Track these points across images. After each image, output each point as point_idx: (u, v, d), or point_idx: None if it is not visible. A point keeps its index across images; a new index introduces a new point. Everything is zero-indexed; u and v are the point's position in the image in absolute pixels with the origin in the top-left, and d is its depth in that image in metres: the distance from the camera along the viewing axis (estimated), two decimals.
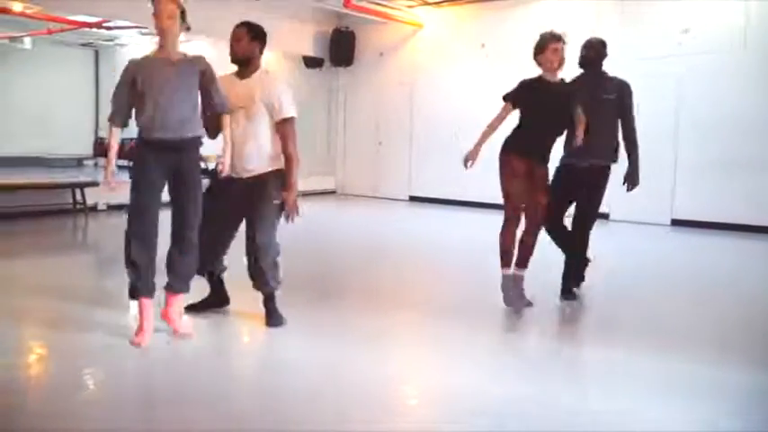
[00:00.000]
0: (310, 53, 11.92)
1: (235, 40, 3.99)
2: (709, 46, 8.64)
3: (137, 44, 15.96)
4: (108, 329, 3.69)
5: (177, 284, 3.55)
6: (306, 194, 11.67)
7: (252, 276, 3.77)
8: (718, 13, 8.63)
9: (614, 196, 8.99)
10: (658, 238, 8.33)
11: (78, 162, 15.84)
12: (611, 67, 7.95)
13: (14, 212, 7.63)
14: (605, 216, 9.24)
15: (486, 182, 10.47)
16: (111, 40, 16.08)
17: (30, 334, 3.80)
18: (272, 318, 3.83)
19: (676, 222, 8.98)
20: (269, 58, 13.18)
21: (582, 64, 4.72)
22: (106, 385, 3.05)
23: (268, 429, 2.59)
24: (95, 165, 15.31)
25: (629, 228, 8.78)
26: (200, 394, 2.91)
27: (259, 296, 3.86)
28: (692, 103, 8.79)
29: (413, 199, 11.50)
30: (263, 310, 3.87)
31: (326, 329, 3.90)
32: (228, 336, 3.95)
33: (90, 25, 12.99)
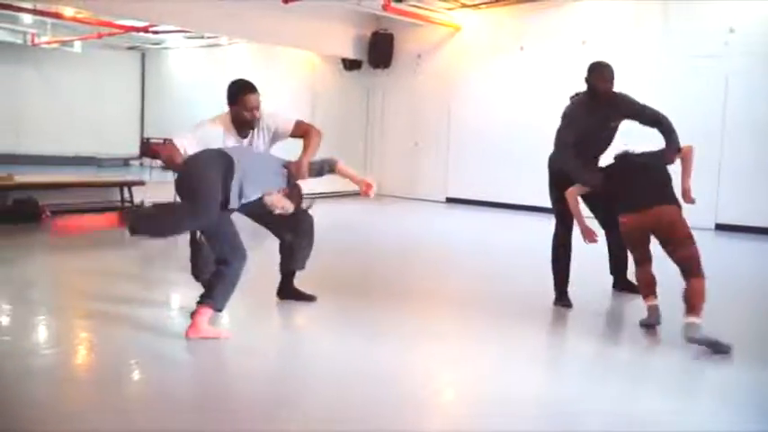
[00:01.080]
0: (349, 55, 12.07)
1: (255, 107, 3.87)
2: (755, 47, 8.45)
3: (182, 47, 16.43)
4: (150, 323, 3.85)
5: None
6: (343, 195, 11.84)
7: None
8: (765, 11, 8.44)
9: None
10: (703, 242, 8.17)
11: (125, 162, 16.35)
12: (655, 67, 7.85)
13: (67, 209, 7.95)
14: None
15: (522, 185, 10.53)
16: (158, 44, 16.57)
17: (77, 323, 3.99)
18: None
19: (720, 227, 8.80)
20: (309, 60, 13.41)
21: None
22: (151, 378, 3.20)
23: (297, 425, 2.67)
24: (141, 164, 15.77)
25: None
26: (227, 392, 3.02)
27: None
28: (738, 103, 8.61)
29: (449, 200, 11.54)
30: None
31: (361, 328, 3.98)
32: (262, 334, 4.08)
33: (137, 29, 13.44)
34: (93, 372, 3.27)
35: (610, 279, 5.04)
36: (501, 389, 3.05)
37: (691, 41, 8.95)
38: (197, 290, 3.75)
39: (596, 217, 4.78)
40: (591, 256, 4.88)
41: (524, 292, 5.10)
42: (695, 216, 8.69)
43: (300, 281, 4.46)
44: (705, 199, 8.80)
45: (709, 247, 7.86)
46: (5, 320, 4.00)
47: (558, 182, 4.52)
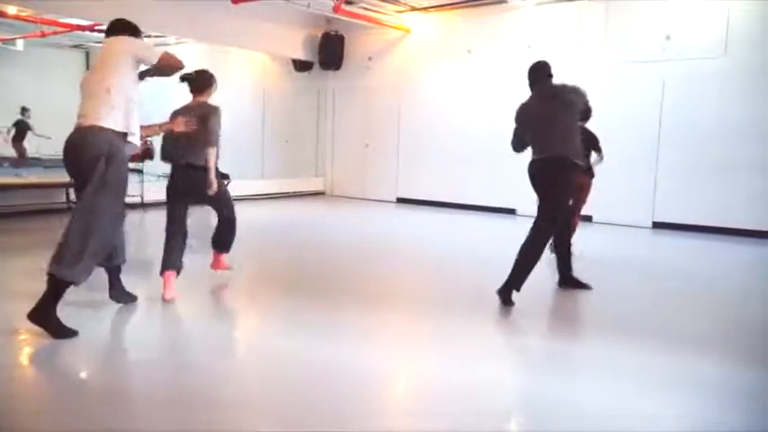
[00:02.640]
0: (300, 56, 12.10)
1: None
2: (691, 52, 8.89)
3: None
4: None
5: None
6: (295, 195, 11.86)
7: None
8: (699, 19, 8.88)
9: (597, 200, 9.38)
10: (640, 239, 8.56)
11: None
12: (595, 70, 8.17)
13: (9, 211, 7.76)
14: (588, 218, 9.48)
15: (470, 185, 10.79)
16: (102, 43, 16.18)
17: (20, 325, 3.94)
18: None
19: (657, 225, 9.22)
20: (260, 60, 13.37)
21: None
22: (101, 379, 3.20)
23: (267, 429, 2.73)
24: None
25: (611, 229, 9.01)
26: (191, 395, 3.06)
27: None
28: (674, 107, 9.04)
29: (400, 200, 11.70)
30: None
31: (320, 328, 4.05)
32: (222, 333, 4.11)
33: (82, 28, 13.12)
34: (42, 373, 3.25)
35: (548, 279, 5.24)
36: (457, 384, 3.18)
37: (630, 47, 9.35)
38: (140, 286, 3.74)
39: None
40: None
41: (474, 289, 5.27)
42: (634, 214, 9.21)
43: (252, 279, 4.49)
44: (643, 198, 9.27)
45: (647, 244, 8.31)
46: None
47: (544, 182, 4.67)
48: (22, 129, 13.63)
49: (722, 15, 8.66)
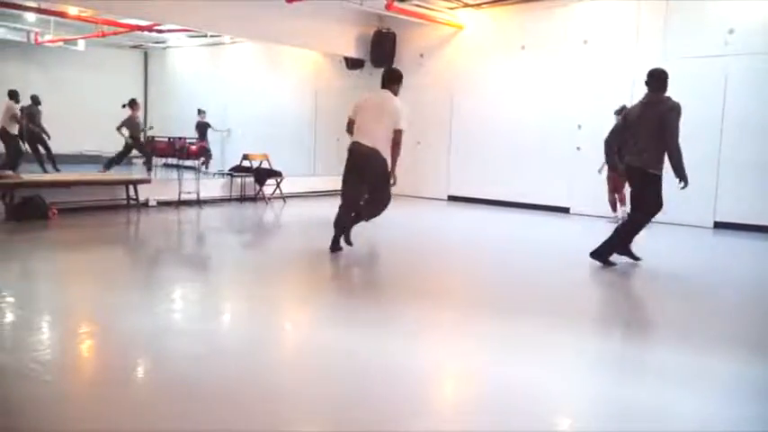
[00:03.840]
0: (352, 54, 12.14)
1: None
2: (755, 46, 8.53)
3: (185, 46, 16.50)
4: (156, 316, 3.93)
5: None
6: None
7: None
8: (764, 12, 8.51)
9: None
10: (702, 239, 8.26)
11: (129, 160, 16.41)
12: (655, 65, 7.91)
13: (73, 207, 8.05)
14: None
15: (523, 183, 10.62)
16: (161, 43, 16.64)
17: (83, 317, 4.08)
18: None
19: (719, 225, 8.88)
20: (312, 59, 13.49)
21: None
22: (155, 372, 3.28)
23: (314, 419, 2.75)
24: (144, 163, 15.82)
25: (670, 229, 8.72)
26: (237, 389, 3.10)
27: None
28: (737, 102, 8.68)
29: (451, 198, 11.62)
30: None
31: (372, 325, 4.06)
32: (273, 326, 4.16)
33: (141, 28, 13.51)
34: (98, 369, 3.34)
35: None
36: (500, 386, 3.14)
37: (691, 41, 9.03)
38: (200, 284, 3.82)
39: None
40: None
41: (528, 287, 5.18)
42: (694, 214, 8.89)
43: (307, 275, 4.50)
44: (705, 197, 8.93)
45: (706, 245, 8.01)
46: (15, 317, 4.08)
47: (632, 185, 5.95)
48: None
49: None
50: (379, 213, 6.29)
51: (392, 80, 6.16)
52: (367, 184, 6.05)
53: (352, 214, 6.17)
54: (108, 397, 2.85)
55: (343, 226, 6.12)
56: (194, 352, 3.47)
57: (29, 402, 2.76)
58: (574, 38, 9.98)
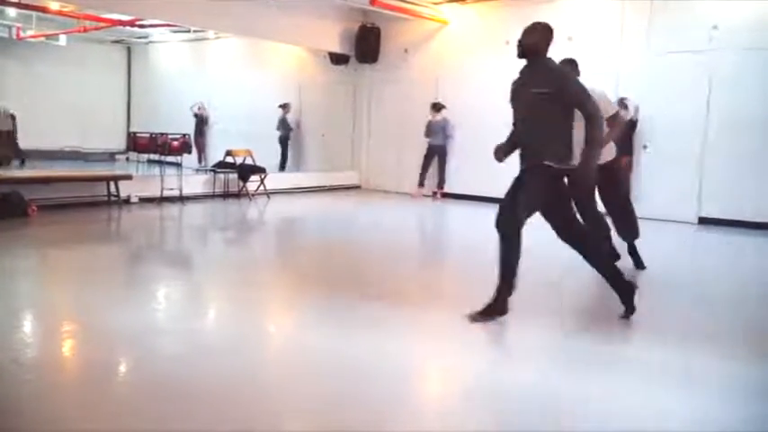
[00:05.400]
0: (336, 50, 12.06)
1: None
2: (740, 42, 8.56)
3: (168, 41, 16.33)
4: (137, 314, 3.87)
5: None
6: (330, 189, 11.87)
7: None
8: (748, 8, 8.53)
9: (640, 194, 9.15)
10: (685, 236, 8.30)
11: (111, 156, 16.26)
12: (639, 61, 7.94)
13: (54, 204, 7.93)
14: None
15: (507, 179, 10.57)
16: (144, 38, 16.46)
17: (65, 316, 4.00)
18: None
19: (703, 221, 8.92)
20: (296, 54, 13.39)
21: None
22: (136, 371, 3.22)
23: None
24: (127, 159, 15.68)
25: (655, 225, 8.76)
26: (219, 391, 3.06)
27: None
28: (721, 98, 8.72)
29: (445, 195, 11.55)
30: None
31: (351, 323, 4.03)
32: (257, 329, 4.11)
33: (123, 23, 13.34)
34: (78, 368, 3.28)
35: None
36: (492, 384, 3.11)
37: (675, 37, 9.05)
38: (182, 282, 3.77)
39: None
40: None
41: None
42: (679, 209, 8.92)
43: (286, 273, 4.46)
44: (689, 192, 8.97)
45: (692, 240, 8.05)
46: None
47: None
48: None
49: None
50: None
51: None
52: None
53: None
54: (88, 396, 2.80)
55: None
56: (177, 351, 3.42)
57: (8, 402, 2.70)
58: (558, 34, 9.92)
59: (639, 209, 9.19)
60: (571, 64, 5.25)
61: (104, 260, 5.75)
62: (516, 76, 4.25)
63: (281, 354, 3.56)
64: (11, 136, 12.97)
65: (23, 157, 13.07)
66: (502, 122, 10.45)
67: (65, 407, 2.71)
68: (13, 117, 13.13)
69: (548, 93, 3.96)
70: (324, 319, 4.04)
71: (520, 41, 4.16)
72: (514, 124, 4.26)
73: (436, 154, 11.25)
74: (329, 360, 3.29)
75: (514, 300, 3.93)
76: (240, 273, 5.37)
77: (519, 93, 4.16)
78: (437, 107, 11.13)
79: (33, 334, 3.69)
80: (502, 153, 4.34)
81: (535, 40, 4.14)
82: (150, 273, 5.35)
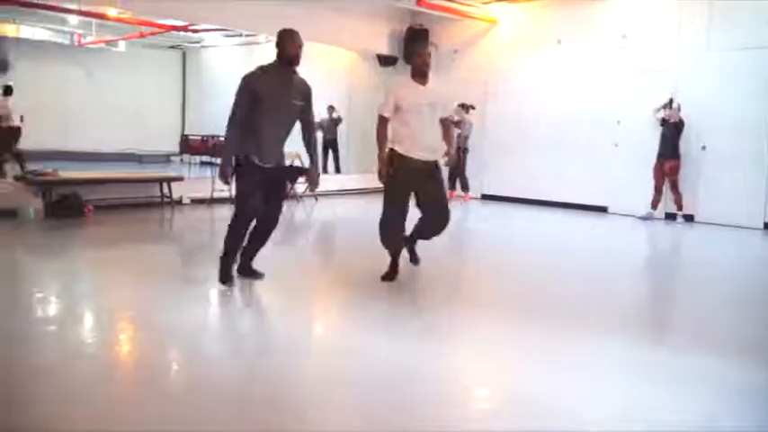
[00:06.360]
0: (384, 51, 12.04)
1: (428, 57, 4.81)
2: None
3: (221, 46, 16.68)
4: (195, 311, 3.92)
5: None
6: (375, 192, 11.83)
7: None
8: None
9: (700, 198, 8.80)
10: (750, 242, 7.92)
11: (166, 158, 16.70)
12: (698, 59, 7.57)
13: (108, 204, 8.17)
14: (690, 217, 8.91)
15: (562, 180, 10.37)
16: (197, 42, 16.86)
17: (121, 315, 4.09)
18: None
19: None
20: (344, 56, 13.44)
21: None
22: (193, 366, 3.25)
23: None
24: (181, 161, 16.06)
25: (717, 231, 8.40)
26: (271, 394, 3.05)
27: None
28: None
29: (485, 197, 11.42)
30: None
31: (399, 326, 3.98)
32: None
33: (178, 28, 13.69)
34: (134, 367, 3.34)
35: None
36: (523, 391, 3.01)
37: (736, 33, 8.66)
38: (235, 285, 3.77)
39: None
40: None
41: (553, 293, 5.02)
42: (742, 214, 8.51)
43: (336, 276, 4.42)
44: (754, 196, 8.55)
45: (757, 248, 7.67)
46: (51, 312, 4.13)
47: None
48: None
49: None
50: None
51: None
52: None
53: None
54: (143, 395, 2.84)
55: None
56: (230, 352, 3.44)
57: (67, 394, 2.77)
58: (612, 32, 9.70)
59: (698, 213, 8.94)
60: None
61: (158, 260, 5.86)
62: None
63: (335, 356, 3.54)
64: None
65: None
66: (549, 123, 10.42)
67: (121, 403, 2.76)
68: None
69: None
70: (373, 324, 4.00)
71: None
72: None
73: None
74: (377, 363, 3.25)
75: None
76: (288, 273, 5.38)
77: None
78: (465, 108, 10.90)
79: (90, 332, 3.79)
80: None
81: None
82: (203, 274, 5.38)
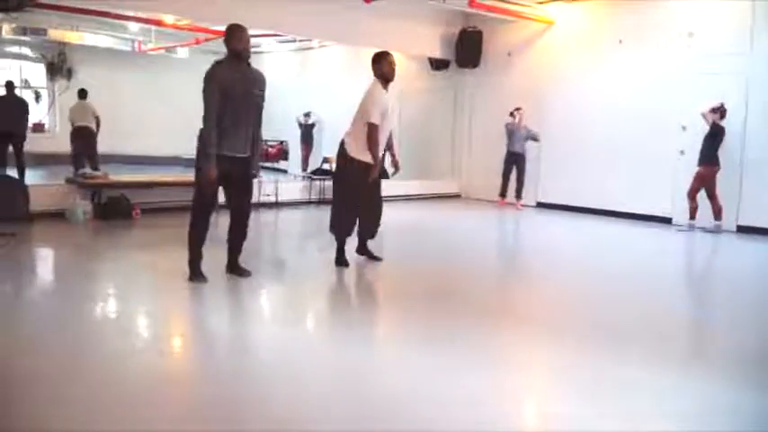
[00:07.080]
0: (436, 55, 11.80)
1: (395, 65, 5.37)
2: None
3: (276, 51, 16.83)
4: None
5: None
6: (429, 198, 11.57)
7: None
8: None
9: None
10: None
11: None
12: None
13: (155, 207, 8.24)
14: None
15: (623, 189, 9.82)
16: (254, 48, 17.05)
17: (173, 318, 4.01)
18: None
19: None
20: (396, 60, 13.22)
21: None
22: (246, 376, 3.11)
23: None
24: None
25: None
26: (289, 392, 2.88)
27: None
28: None
29: (540, 205, 10.96)
30: None
31: (430, 335, 3.74)
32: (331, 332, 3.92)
33: None
34: (190, 368, 3.32)
35: None
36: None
37: None
38: (285, 287, 3.65)
39: None
40: None
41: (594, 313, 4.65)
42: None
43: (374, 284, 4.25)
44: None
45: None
46: (105, 315, 4.16)
47: None
48: None
49: None
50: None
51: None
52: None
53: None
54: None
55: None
56: (280, 355, 3.32)
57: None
58: (678, 30, 9.11)
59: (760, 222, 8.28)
60: None
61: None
62: None
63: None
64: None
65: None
66: (610, 127, 9.89)
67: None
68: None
69: None
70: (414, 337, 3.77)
71: None
72: None
73: (514, 161, 10.65)
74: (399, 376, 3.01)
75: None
76: (328, 280, 5.21)
77: None
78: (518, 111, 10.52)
79: (143, 333, 3.82)
80: None
81: None
82: (250, 278, 5.24)
